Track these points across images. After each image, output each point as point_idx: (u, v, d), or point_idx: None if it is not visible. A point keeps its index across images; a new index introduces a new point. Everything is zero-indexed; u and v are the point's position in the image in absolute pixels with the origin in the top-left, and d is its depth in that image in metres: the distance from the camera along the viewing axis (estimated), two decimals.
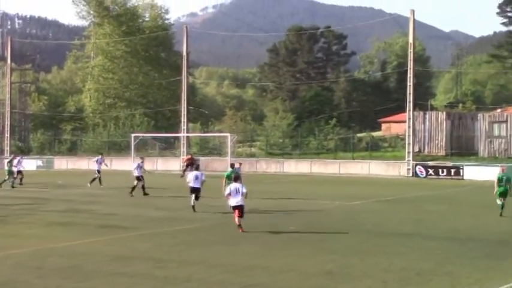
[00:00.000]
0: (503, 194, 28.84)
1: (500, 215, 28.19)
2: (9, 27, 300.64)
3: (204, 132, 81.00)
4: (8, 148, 77.85)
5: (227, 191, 24.31)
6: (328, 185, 49.18)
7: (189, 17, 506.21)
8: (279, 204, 34.13)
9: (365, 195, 39.17)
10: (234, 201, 23.90)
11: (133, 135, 67.94)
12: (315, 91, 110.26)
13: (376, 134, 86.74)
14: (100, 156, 48.53)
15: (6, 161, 50.52)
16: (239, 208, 23.85)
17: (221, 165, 62.79)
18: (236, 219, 23.84)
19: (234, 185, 24.07)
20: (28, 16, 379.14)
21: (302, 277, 16.19)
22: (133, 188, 37.80)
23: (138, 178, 38.31)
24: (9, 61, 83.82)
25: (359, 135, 76.82)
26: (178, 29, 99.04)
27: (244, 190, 23.75)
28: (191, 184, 29.98)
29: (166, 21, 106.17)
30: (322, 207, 32.74)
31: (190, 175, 30.66)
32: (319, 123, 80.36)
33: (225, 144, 66.20)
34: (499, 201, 28.90)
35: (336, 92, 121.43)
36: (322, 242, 21.60)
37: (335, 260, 18.24)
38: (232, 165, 35.26)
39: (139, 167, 38.94)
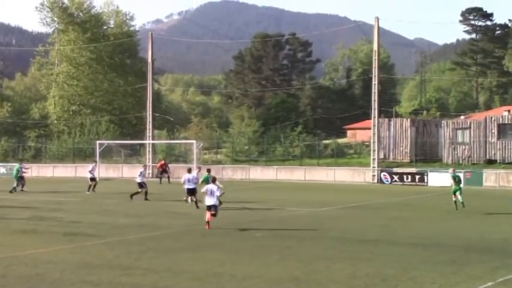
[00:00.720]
0: (456, 191, 34.08)
1: (456, 208, 33.38)
2: None
3: (170, 139, 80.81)
4: None
5: (203, 189, 26.80)
6: (294, 192, 49.28)
7: (154, 24, 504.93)
8: (245, 211, 34.17)
9: (331, 202, 39.36)
10: (208, 201, 26.13)
11: (98, 142, 67.61)
12: (280, 98, 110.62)
13: (341, 140, 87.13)
14: (94, 164, 50.21)
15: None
16: (213, 207, 26.09)
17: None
18: (207, 215, 26.12)
19: (210, 186, 26.40)
20: None
21: (269, 284, 16.24)
22: (135, 193, 39.35)
23: (141, 185, 39.63)
24: None
25: (325, 142, 77.08)
26: (143, 35, 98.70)
27: (218, 193, 26.22)
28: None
29: (131, 28, 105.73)
30: (288, 213, 32.85)
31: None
32: (285, 130, 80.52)
33: (191, 151, 66.11)
34: (454, 198, 34.02)
35: (301, 99, 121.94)
36: (288, 249, 21.67)
37: (301, 267, 18.32)
38: (208, 170, 36.82)
39: (142, 174, 40.31)
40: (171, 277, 17.01)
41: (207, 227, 25.92)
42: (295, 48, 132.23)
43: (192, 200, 34.56)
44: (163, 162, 61.16)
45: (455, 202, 33.74)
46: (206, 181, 32.14)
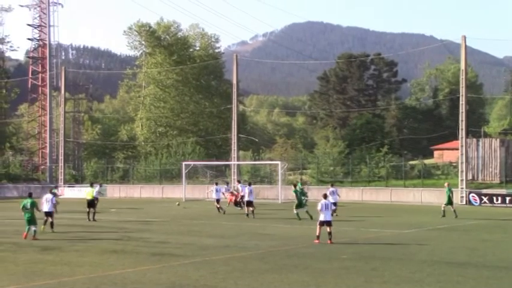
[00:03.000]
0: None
1: None
2: (63, 57, 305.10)
3: (255, 160, 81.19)
4: (63, 177, 78.97)
5: (319, 207, 28.28)
6: (380, 213, 48.73)
7: (239, 46, 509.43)
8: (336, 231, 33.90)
9: (418, 224, 38.73)
10: (323, 216, 27.91)
11: (184, 163, 68.48)
12: (365, 118, 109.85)
13: (428, 161, 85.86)
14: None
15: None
16: (327, 223, 27.93)
17: (272, 192, 62.83)
18: (318, 230, 28.10)
19: (324, 202, 28.06)
20: (81, 46, 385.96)
21: None
22: (219, 208, 45.91)
23: (217, 200, 46.88)
24: (63, 91, 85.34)
25: (411, 162, 76.14)
26: (228, 57, 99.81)
27: (334, 207, 27.30)
28: (246, 198, 40.05)
29: (216, 50, 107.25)
30: (374, 235, 32.47)
31: (247, 189, 37.49)
32: (370, 151, 79.91)
33: (275, 172, 66.28)
34: None
35: (386, 119, 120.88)
36: (374, 271, 21.39)
37: None
38: (294, 185, 43.03)
39: (219, 190, 47.59)
40: None
41: (328, 242, 27.65)
42: (381, 68, 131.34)
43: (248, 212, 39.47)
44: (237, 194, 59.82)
45: None
46: (296, 193, 39.23)
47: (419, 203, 59.17)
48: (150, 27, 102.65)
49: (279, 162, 66.39)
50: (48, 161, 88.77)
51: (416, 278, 19.93)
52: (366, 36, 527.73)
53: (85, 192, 45.15)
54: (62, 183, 77.27)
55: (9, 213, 46.54)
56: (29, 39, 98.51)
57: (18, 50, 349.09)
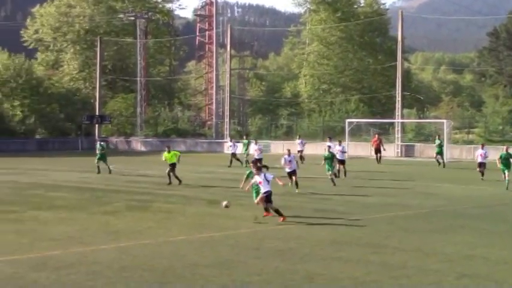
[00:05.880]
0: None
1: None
2: (229, 15, 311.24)
3: (420, 118, 79.63)
4: (228, 132, 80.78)
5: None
6: None
7: (404, 2, 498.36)
8: (503, 193, 32.77)
9: None
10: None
11: (347, 120, 68.21)
12: None
13: None
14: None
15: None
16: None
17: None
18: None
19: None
20: (247, 4, 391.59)
21: None
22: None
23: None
24: (228, 48, 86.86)
25: None
26: (393, 14, 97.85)
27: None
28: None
29: (381, 7, 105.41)
30: None
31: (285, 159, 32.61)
32: None
33: (441, 130, 64.70)
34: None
35: None
36: None
37: None
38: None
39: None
40: (420, 257, 16.77)
41: None
42: None
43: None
44: (376, 138, 58.54)
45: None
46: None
47: None
48: None
49: (444, 121, 64.77)
50: (214, 116, 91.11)
51: None
52: None
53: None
54: (228, 138, 79.10)
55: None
56: None
57: (186, 9, 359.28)
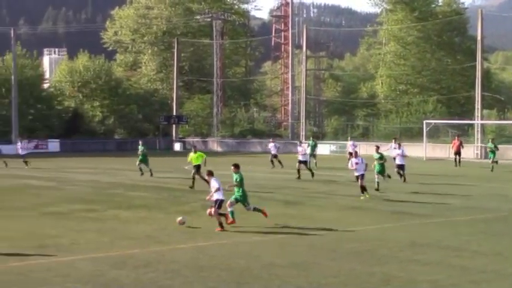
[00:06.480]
0: None
1: None
2: (304, 15, 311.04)
3: (500, 119, 77.96)
4: (304, 133, 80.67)
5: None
6: None
7: (484, 0, 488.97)
8: None
9: None
10: None
11: (425, 121, 67.33)
12: None
13: None
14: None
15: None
16: None
17: None
18: None
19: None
20: (323, 5, 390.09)
21: None
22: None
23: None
24: (304, 49, 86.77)
25: None
26: (472, 13, 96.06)
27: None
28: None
29: (460, 5, 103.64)
30: None
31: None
32: None
33: None
34: None
35: None
36: None
37: None
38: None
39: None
40: (500, 261, 16.44)
41: None
42: None
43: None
44: (456, 140, 55.71)
45: None
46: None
47: None
48: None
49: None
50: (290, 117, 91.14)
51: None
52: None
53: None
54: (303, 139, 78.96)
55: (257, 167, 48.19)
56: None
57: (262, 9, 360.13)
